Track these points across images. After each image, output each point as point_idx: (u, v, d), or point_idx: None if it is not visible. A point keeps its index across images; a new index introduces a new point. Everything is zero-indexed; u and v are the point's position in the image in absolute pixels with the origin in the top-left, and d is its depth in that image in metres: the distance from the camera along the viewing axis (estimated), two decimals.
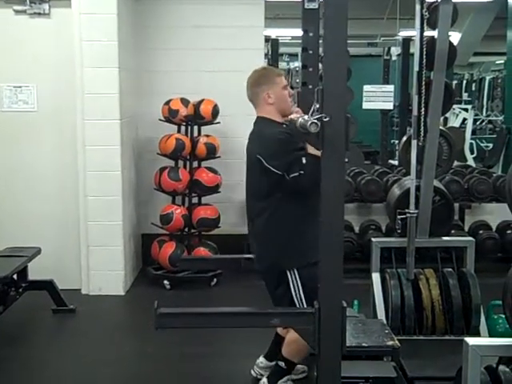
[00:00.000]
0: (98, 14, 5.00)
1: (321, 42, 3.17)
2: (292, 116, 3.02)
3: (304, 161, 3.00)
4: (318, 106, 2.59)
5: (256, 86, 3.28)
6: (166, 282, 5.32)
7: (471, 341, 2.29)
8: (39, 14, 5.06)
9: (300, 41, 3.66)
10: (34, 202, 5.23)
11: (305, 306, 3.11)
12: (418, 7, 3.61)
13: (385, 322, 3.74)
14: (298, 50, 9.25)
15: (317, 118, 2.57)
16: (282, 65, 9.93)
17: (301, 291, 3.13)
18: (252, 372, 3.62)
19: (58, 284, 4.79)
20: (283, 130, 3.11)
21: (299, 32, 3.63)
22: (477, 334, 3.93)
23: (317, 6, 3.47)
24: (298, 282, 3.14)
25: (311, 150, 2.99)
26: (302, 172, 2.99)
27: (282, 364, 3.34)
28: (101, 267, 5.18)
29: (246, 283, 5.17)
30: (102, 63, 5.03)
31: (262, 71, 3.36)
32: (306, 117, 2.92)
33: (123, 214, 5.22)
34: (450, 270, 4.10)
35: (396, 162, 7.97)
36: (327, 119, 3.09)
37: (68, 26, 5.03)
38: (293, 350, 3.29)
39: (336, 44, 2.24)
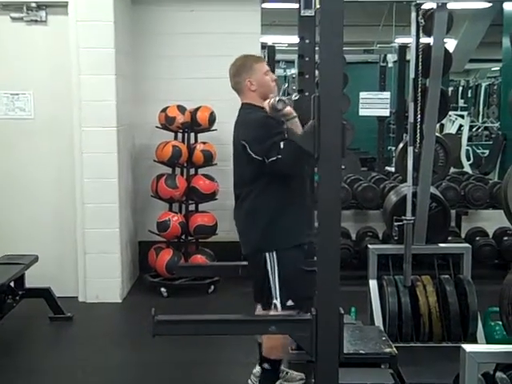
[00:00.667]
0: (94, 22, 5.01)
1: (317, 48, 3.19)
2: (265, 103, 3.09)
3: (282, 145, 3.04)
4: (286, 86, 2.66)
5: (237, 76, 3.32)
6: (163, 289, 5.31)
7: (468, 347, 2.29)
8: (36, 21, 5.07)
9: (296, 48, 3.67)
10: (31, 210, 5.23)
11: (277, 291, 3.14)
12: (413, 14, 3.62)
13: (382, 328, 3.74)
14: (295, 56, 9.28)
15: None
16: (279, 72, 9.95)
17: (276, 275, 3.16)
18: (249, 381, 3.61)
19: (55, 291, 4.78)
20: (267, 114, 3.14)
21: (296, 39, 3.64)
22: (474, 340, 3.93)
23: (313, 14, 3.48)
24: (275, 265, 3.16)
25: (294, 132, 3.03)
26: (279, 156, 3.02)
27: (266, 366, 3.32)
28: (98, 274, 5.18)
29: (244, 290, 5.13)
30: (98, 70, 5.04)
31: (242, 60, 3.36)
32: (276, 97, 2.99)
33: (120, 222, 5.22)
34: (447, 276, 4.10)
35: (393, 169, 7.97)
36: (297, 97, 3.12)
37: (65, 33, 5.04)
38: (268, 347, 3.29)
39: (332, 51, 2.24)
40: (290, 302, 3.17)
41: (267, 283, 3.18)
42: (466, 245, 4.49)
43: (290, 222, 3.20)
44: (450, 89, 13.24)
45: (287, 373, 3.65)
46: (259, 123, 3.16)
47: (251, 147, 3.12)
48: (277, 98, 3.04)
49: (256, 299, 3.32)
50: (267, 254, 3.17)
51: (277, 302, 3.16)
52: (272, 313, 3.16)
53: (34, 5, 5.03)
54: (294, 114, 3.12)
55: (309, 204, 3.33)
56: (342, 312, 2.36)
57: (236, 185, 3.38)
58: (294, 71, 9.67)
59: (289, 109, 3.11)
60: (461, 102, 14.31)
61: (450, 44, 9.61)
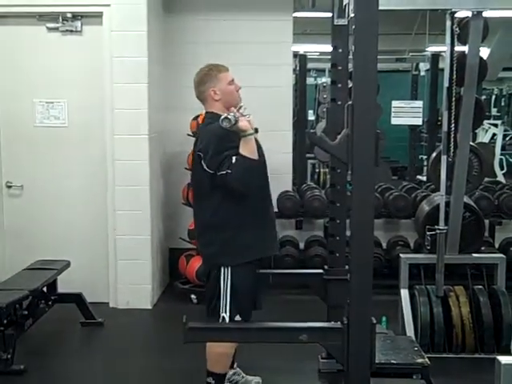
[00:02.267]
0: (128, 31, 5.07)
1: (350, 57, 3.18)
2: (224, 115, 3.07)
3: (234, 160, 3.05)
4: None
5: (201, 85, 3.34)
6: (193, 296, 5.33)
7: (504, 359, 2.24)
8: (71, 31, 5.15)
9: (328, 56, 3.67)
10: (64, 216, 5.30)
11: (227, 305, 3.16)
12: (448, 23, 3.60)
13: (414, 338, 3.71)
14: (326, 65, 9.28)
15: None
16: (310, 80, 9.94)
17: (228, 289, 3.18)
18: None
19: (86, 297, 4.83)
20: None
21: (327, 48, 3.64)
22: (507, 352, 3.88)
23: (346, 23, 3.48)
24: (228, 280, 3.18)
25: (243, 150, 3.05)
26: (228, 171, 3.03)
27: (209, 380, 3.30)
28: (129, 281, 5.22)
29: (274, 298, 5.15)
30: (131, 79, 5.10)
31: (206, 70, 3.37)
32: (224, 115, 2.97)
33: (151, 229, 5.26)
34: (481, 287, 4.06)
35: (424, 178, 7.91)
36: (249, 117, 3.10)
37: (99, 42, 5.11)
38: (212, 360, 3.29)
39: (366, 60, 2.24)
40: (237, 317, 3.19)
41: (217, 295, 3.20)
42: (501, 255, 4.43)
43: (247, 239, 3.21)
44: (483, 97, 13.07)
45: (243, 376, 3.65)
46: (215, 135, 3.14)
47: (204, 159, 3.12)
48: (222, 117, 2.99)
49: (207, 313, 3.32)
50: (222, 269, 3.19)
51: (226, 315, 3.18)
52: None
53: (69, 15, 5.10)
54: (251, 131, 3.09)
55: (270, 220, 3.34)
56: (374, 321, 2.35)
57: (194, 198, 3.40)
58: (324, 80, 9.65)
59: (244, 124, 3.06)
60: (494, 111, 14.14)
61: (484, 52, 9.50)
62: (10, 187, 5.30)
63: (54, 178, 5.28)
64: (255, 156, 3.10)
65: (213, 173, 3.10)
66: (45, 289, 4.59)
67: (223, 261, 3.20)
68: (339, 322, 2.43)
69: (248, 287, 3.24)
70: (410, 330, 3.97)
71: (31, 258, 4.90)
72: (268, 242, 3.34)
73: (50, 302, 4.66)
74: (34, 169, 5.28)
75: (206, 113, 3.36)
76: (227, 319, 3.17)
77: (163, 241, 5.76)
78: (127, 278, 5.22)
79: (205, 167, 3.12)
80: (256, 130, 3.14)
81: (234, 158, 3.05)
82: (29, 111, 5.21)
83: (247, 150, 3.07)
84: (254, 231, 3.23)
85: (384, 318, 4.17)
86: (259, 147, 3.25)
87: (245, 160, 3.04)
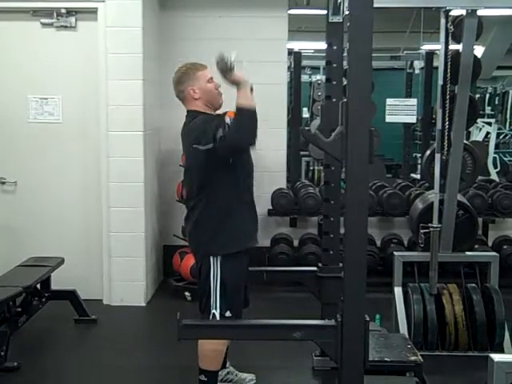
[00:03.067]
0: (123, 27, 5.06)
1: (345, 55, 3.18)
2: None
3: (228, 120, 3.07)
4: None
5: (180, 85, 3.32)
6: (187, 293, 5.33)
7: (497, 357, 2.26)
8: (66, 27, 5.13)
9: (322, 54, 3.67)
10: (58, 212, 5.28)
11: (217, 301, 3.17)
12: (442, 21, 3.60)
13: (407, 336, 3.72)
14: (321, 63, 9.28)
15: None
16: (304, 78, 9.93)
17: (218, 283, 3.18)
18: None
19: (80, 294, 4.83)
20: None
21: (321, 45, 3.64)
22: (500, 350, 3.89)
23: (341, 20, 3.48)
24: (218, 269, 3.19)
25: (241, 100, 3.02)
26: (226, 130, 3.02)
27: (202, 377, 3.29)
28: (122, 278, 5.21)
29: (268, 296, 5.17)
30: (126, 75, 5.08)
31: (184, 69, 3.36)
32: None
33: (145, 226, 5.25)
34: (474, 285, 4.07)
35: (418, 176, 7.92)
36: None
37: (94, 38, 5.09)
38: (204, 357, 3.29)
39: (360, 57, 2.24)
40: (228, 313, 3.19)
41: (208, 292, 3.20)
42: (494, 253, 4.44)
43: (235, 229, 3.23)
44: (477, 96, 13.10)
45: (236, 375, 3.66)
46: (203, 120, 3.18)
47: (201, 142, 3.10)
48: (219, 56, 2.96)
49: (200, 310, 3.32)
50: (211, 259, 3.20)
51: (216, 312, 3.19)
52: None
53: (63, 11, 5.09)
54: (246, 79, 3.07)
55: (253, 211, 3.35)
56: (368, 319, 2.35)
57: (186, 197, 3.41)
58: (319, 77, 9.64)
59: (239, 75, 3.05)
60: (488, 110, 14.17)
61: (478, 51, 9.52)
62: (3, 183, 5.28)
63: (48, 174, 5.27)
64: (253, 104, 3.05)
65: (212, 146, 3.05)
66: (38, 286, 4.58)
67: (212, 250, 3.20)
68: (333, 320, 2.43)
69: (237, 280, 3.25)
70: (403, 328, 3.98)
71: (25, 254, 4.89)
72: (253, 233, 3.35)
73: (43, 299, 4.65)
74: (27, 165, 5.27)
75: (188, 111, 3.35)
76: (217, 315, 3.17)
77: (157, 238, 5.75)
78: (121, 275, 5.22)
79: (204, 148, 3.08)
80: (251, 89, 3.10)
81: (227, 119, 3.08)
82: (23, 107, 5.19)
83: (245, 98, 3.03)
84: (240, 222, 3.25)
85: (378, 316, 4.19)
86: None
87: (242, 112, 3.00)
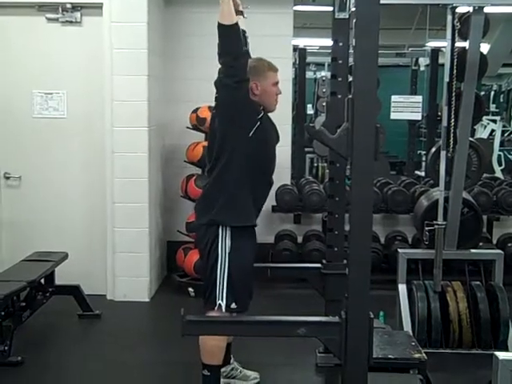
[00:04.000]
0: (128, 23, 5.05)
1: (351, 51, 3.17)
2: None
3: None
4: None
5: (248, 74, 3.27)
6: (190, 289, 5.33)
7: (501, 355, 2.25)
8: (71, 22, 5.13)
9: (327, 50, 3.66)
10: (62, 207, 5.29)
11: (224, 289, 3.13)
12: (449, 18, 3.58)
13: (411, 333, 3.71)
14: (325, 59, 9.25)
15: None
16: (309, 74, 9.92)
17: (226, 264, 3.15)
18: None
19: (83, 289, 4.83)
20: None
21: (327, 42, 3.63)
22: (505, 348, 3.88)
23: (347, 16, 3.47)
24: (227, 240, 3.16)
25: (220, 14, 3.12)
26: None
27: (205, 372, 3.28)
28: (126, 273, 5.22)
29: (272, 292, 5.17)
30: (131, 71, 5.08)
31: (259, 62, 3.34)
32: None
33: (149, 221, 5.25)
34: (478, 283, 4.06)
35: (422, 173, 7.90)
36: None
37: (99, 34, 5.09)
38: (207, 352, 3.27)
39: (367, 54, 2.23)
40: (233, 305, 3.16)
41: (214, 276, 3.15)
42: (498, 251, 4.43)
43: (246, 203, 3.20)
44: (482, 93, 13.07)
45: (241, 371, 3.65)
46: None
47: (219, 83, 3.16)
48: None
49: (204, 302, 3.28)
50: (220, 230, 3.16)
51: (222, 302, 3.15)
52: (214, 314, 3.15)
53: (69, 6, 5.09)
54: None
55: (263, 196, 3.35)
56: (372, 316, 2.35)
57: (208, 161, 3.37)
58: (323, 73, 9.62)
59: None
60: (493, 107, 14.13)
61: (483, 48, 9.50)
62: (8, 178, 5.29)
63: (53, 169, 5.27)
64: (231, 19, 3.11)
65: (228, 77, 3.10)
66: (42, 281, 4.59)
67: (222, 219, 3.16)
68: (337, 317, 2.43)
69: (246, 261, 3.22)
70: (407, 325, 3.97)
71: (29, 249, 4.89)
72: (256, 212, 3.32)
73: (47, 294, 4.66)
74: (32, 160, 5.27)
75: None
76: (223, 307, 3.16)
77: (161, 233, 5.75)
78: (125, 271, 5.22)
79: (222, 82, 3.14)
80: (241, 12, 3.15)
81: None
82: (27, 102, 5.19)
83: (221, 12, 3.14)
84: (251, 198, 3.22)
85: (382, 313, 4.18)
86: (274, 127, 3.30)
87: (221, 29, 3.07)
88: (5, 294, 3.93)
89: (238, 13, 3.15)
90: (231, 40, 3.07)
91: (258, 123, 3.16)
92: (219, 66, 3.14)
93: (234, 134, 3.15)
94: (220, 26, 3.07)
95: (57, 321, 4.78)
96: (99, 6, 5.06)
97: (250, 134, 3.14)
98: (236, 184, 3.17)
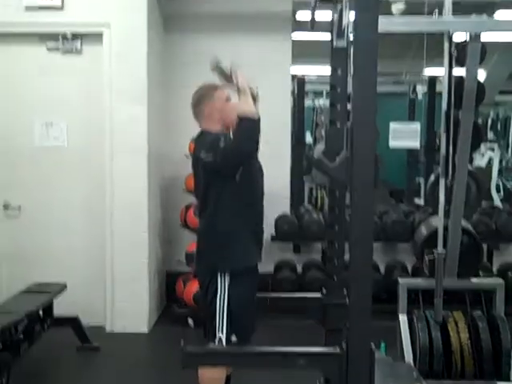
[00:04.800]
0: (128, 51, 5.10)
1: (349, 79, 3.18)
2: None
3: (231, 136, 3.09)
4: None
5: (198, 106, 3.34)
6: (190, 320, 5.28)
7: None
8: (71, 51, 5.17)
9: (325, 79, 3.67)
10: (62, 237, 5.27)
11: (224, 323, 3.12)
12: (446, 45, 3.60)
13: (413, 365, 3.66)
14: (323, 87, 9.31)
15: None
16: (308, 103, 9.98)
17: (225, 297, 3.14)
18: None
19: (82, 319, 4.79)
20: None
21: (325, 70, 3.64)
22: (507, 379, 3.82)
23: (345, 45, 3.49)
24: (226, 287, 3.15)
25: (241, 109, 3.05)
26: (227, 142, 3.05)
27: None
28: (125, 304, 5.18)
29: (272, 322, 5.11)
30: (131, 100, 5.11)
31: (202, 90, 3.38)
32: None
33: (149, 251, 5.23)
34: (479, 312, 4.01)
35: (421, 201, 7.90)
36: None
37: (99, 62, 5.13)
38: (206, 382, 3.22)
39: (365, 82, 2.24)
40: (234, 338, 3.14)
41: (213, 312, 3.14)
42: (499, 280, 4.39)
43: (241, 247, 3.20)
44: (479, 121, 13.13)
45: None
46: (213, 136, 3.17)
47: (205, 154, 3.11)
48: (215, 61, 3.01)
49: (204, 334, 3.27)
50: (219, 276, 3.15)
51: (222, 336, 3.13)
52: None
53: (69, 35, 5.14)
54: (247, 86, 3.10)
55: (261, 231, 3.35)
56: (374, 347, 2.31)
57: (198, 207, 3.39)
58: (322, 102, 9.68)
59: (243, 82, 3.08)
60: (490, 135, 14.18)
61: (480, 75, 9.57)
62: (7, 208, 5.28)
63: (52, 198, 5.26)
64: (255, 113, 3.07)
65: (213, 159, 3.06)
66: (41, 312, 4.54)
67: (221, 266, 3.17)
68: (337, 347, 2.39)
69: (246, 301, 3.20)
70: (408, 356, 3.92)
71: (28, 280, 4.86)
72: (258, 251, 3.33)
73: (45, 326, 4.61)
74: (32, 189, 5.27)
75: (203, 129, 3.34)
76: (224, 340, 3.12)
77: (160, 264, 5.72)
78: (124, 301, 5.18)
79: (206, 159, 3.09)
80: (254, 98, 3.14)
81: (230, 136, 3.07)
82: (28, 131, 5.21)
83: (245, 106, 3.06)
84: (249, 239, 3.23)
85: (383, 344, 4.13)
86: (259, 168, 3.29)
87: (242, 122, 3.02)
88: (3, 326, 3.89)
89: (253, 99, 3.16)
90: (255, 131, 3.06)
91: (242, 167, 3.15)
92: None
93: (220, 181, 3.16)
94: (245, 120, 3.04)
95: (55, 353, 4.73)
96: (99, 35, 5.11)
97: (237, 179, 3.16)
98: (229, 226, 3.18)
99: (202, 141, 3.24)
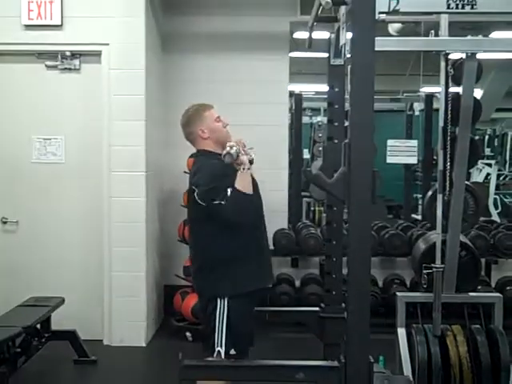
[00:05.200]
0: (126, 70, 5.13)
1: (346, 97, 3.22)
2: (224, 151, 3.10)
3: (229, 193, 3.08)
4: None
5: (188, 126, 3.37)
6: (188, 333, 5.28)
7: None
8: (70, 69, 5.20)
9: (323, 96, 3.72)
10: (59, 252, 5.27)
11: (223, 338, 3.13)
12: (442, 64, 3.64)
13: (411, 378, 3.67)
14: (321, 104, 9.36)
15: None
16: (305, 119, 10.04)
17: (224, 322, 3.15)
18: None
19: (80, 334, 4.78)
20: (221, 161, 3.14)
21: (322, 87, 3.69)
22: None
23: (342, 63, 3.54)
24: (225, 312, 3.16)
25: (239, 184, 3.09)
26: (222, 202, 3.06)
27: None
28: (123, 318, 5.18)
29: (271, 336, 5.12)
30: (129, 116, 5.14)
31: (191, 111, 3.40)
32: (226, 150, 3.01)
33: (147, 265, 5.24)
34: (478, 326, 4.02)
35: (419, 217, 7.93)
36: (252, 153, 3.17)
37: (97, 80, 5.16)
38: None
39: (362, 100, 2.27)
40: (232, 351, 3.15)
41: (212, 329, 3.16)
42: (498, 294, 4.41)
43: (243, 270, 3.21)
44: (477, 137, 13.21)
45: None
46: (210, 169, 3.18)
47: (198, 192, 3.14)
48: (225, 152, 3.06)
49: (204, 349, 3.28)
50: (218, 300, 3.17)
51: (221, 349, 3.14)
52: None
53: (68, 53, 5.16)
54: (248, 166, 3.13)
55: (265, 250, 3.37)
56: (372, 360, 2.33)
57: (189, 234, 3.42)
58: (319, 119, 9.73)
59: (243, 159, 3.12)
60: (487, 151, 14.26)
61: (477, 93, 9.64)
62: (5, 223, 5.29)
63: (50, 214, 5.28)
64: (250, 191, 3.13)
65: (205, 205, 3.11)
66: (38, 326, 4.55)
67: (220, 291, 3.18)
68: (336, 361, 2.41)
69: (245, 323, 3.21)
70: (407, 370, 3.92)
71: (25, 294, 4.86)
72: (264, 272, 3.34)
73: (43, 340, 4.61)
74: (29, 205, 5.28)
75: (198, 150, 3.39)
76: (222, 353, 3.13)
77: (158, 277, 5.73)
78: (122, 315, 5.18)
79: (197, 199, 3.13)
80: (251, 162, 3.17)
81: (229, 191, 3.08)
82: (26, 147, 5.23)
83: (242, 183, 3.11)
84: (249, 262, 3.23)
85: (381, 358, 4.13)
86: (253, 180, 3.29)
87: (239, 194, 3.07)
88: (0, 340, 3.89)
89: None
90: (245, 205, 3.12)
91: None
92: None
93: (212, 209, 3.15)
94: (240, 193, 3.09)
95: (52, 367, 4.73)
96: (98, 54, 5.14)
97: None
98: (226, 249, 3.19)
99: (201, 175, 3.21)
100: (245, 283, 3.21)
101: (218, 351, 3.13)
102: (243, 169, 3.11)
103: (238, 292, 3.18)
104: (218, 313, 3.17)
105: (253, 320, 3.33)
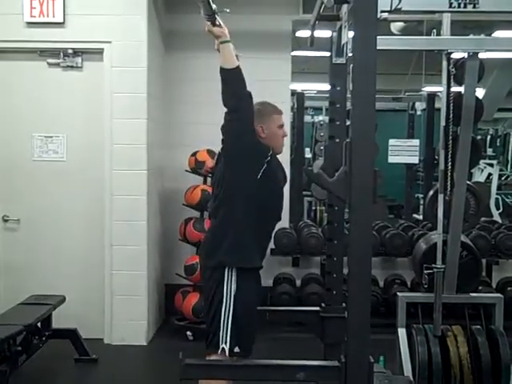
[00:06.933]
0: (128, 68, 5.13)
1: (348, 96, 3.21)
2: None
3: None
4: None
5: (254, 118, 3.29)
6: (188, 332, 5.28)
7: None
8: (72, 67, 5.21)
9: (325, 95, 3.71)
10: (61, 250, 5.28)
11: (228, 332, 3.09)
12: (444, 63, 3.63)
13: (412, 378, 3.66)
14: (323, 103, 9.37)
15: None
16: (307, 118, 10.04)
17: (232, 292, 3.11)
18: None
19: (80, 332, 4.79)
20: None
21: (324, 86, 3.68)
22: None
23: (344, 61, 3.53)
24: (233, 283, 3.13)
25: (220, 59, 3.16)
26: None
27: None
28: (124, 317, 5.18)
29: (271, 335, 5.12)
30: (130, 115, 5.14)
31: (262, 105, 3.36)
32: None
33: (148, 264, 5.24)
34: (479, 327, 4.02)
35: (420, 217, 7.93)
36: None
37: (99, 78, 5.16)
38: None
39: (364, 99, 2.26)
40: (237, 349, 3.11)
41: (218, 319, 3.11)
42: (498, 295, 4.40)
43: (254, 243, 3.20)
44: (479, 137, 13.20)
45: None
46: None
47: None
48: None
49: (206, 345, 3.21)
50: (226, 271, 3.13)
51: (225, 346, 3.09)
52: (217, 357, 3.10)
53: (70, 51, 5.17)
54: (226, 39, 3.16)
55: (269, 236, 3.40)
56: (372, 360, 2.32)
57: (213, 200, 3.36)
58: (321, 118, 9.73)
59: (219, 29, 3.12)
60: (489, 151, 14.25)
61: (479, 93, 9.63)
62: (6, 221, 5.29)
63: (52, 212, 5.28)
64: (233, 63, 3.18)
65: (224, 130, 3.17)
66: (39, 324, 4.55)
67: (229, 261, 3.14)
68: (336, 361, 2.40)
69: (252, 302, 3.19)
70: (407, 370, 3.92)
71: (26, 292, 4.86)
72: (261, 257, 3.32)
73: (44, 338, 4.61)
74: (31, 203, 5.28)
75: None
76: (226, 351, 3.12)
77: (159, 276, 5.73)
78: (122, 314, 5.18)
79: (224, 134, 3.18)
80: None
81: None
82: (27, 145, 5.23)
83: (223, 57, 3.15)
84: (257, 239, 3.22)
85: (382, 358, 4.13)
86: (280, 165, 3.30)
87: (224, 73, 3.13)
88: (1, 338, 3.89)
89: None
90: (235, 83, 3.13)
91: (266, 165, 3.16)
92: (224, 111, 3.17)
93: (241, 177, 3.16)
94: (223, 71, 3.13)
95: (53, 365, 4.73)
96: (100, 52, 5.14)
97: (258, 177, 3.14)
98: (242, 226, 3.17)
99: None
100: (252, 259, 3.20)
101: (223, 348, 3.11)
102: (223, 41, 3.14)
103: (247, 265, 3.15)
104: (225, 284, 3.12)
105: (256, 316, 3.30)
